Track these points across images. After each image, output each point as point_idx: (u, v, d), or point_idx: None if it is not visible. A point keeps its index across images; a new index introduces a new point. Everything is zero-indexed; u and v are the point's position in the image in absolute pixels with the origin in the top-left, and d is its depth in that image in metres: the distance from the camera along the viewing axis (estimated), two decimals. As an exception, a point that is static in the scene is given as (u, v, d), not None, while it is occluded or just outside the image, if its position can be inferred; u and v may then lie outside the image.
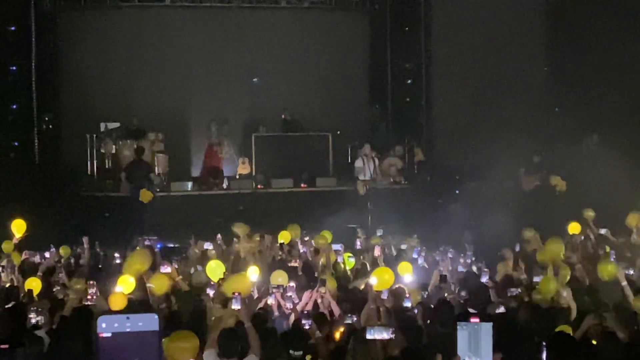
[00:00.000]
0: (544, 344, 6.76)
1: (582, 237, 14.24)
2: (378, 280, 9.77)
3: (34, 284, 10.53)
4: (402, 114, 23.27)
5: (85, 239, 13.81)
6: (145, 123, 20.83)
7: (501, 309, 9.06)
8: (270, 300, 9.40)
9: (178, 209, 18.82)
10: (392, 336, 7.08)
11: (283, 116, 21.82)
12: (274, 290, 9.59)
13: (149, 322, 3.45)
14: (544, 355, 6.41)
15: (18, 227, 13.76)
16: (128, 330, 3.43)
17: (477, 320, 4.06)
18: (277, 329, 8.27)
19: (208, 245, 13.62)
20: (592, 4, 21.33)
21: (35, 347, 7.18)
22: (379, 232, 14.85)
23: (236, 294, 7.97)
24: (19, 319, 8.47)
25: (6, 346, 3.67)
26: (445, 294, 9.72)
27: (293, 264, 12.70)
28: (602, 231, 14.31)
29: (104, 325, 3.43)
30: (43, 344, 7.53)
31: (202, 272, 11.55)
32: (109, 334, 3.42)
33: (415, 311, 8.42)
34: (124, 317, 3.44)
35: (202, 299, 9.87)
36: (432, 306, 9.07)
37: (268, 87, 22.39)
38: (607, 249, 12.97)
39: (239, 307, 7.79)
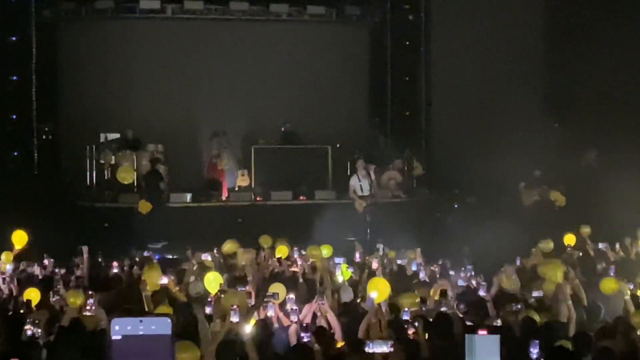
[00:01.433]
0: (542, 359, 6.76)
1: (580, 253, 14.26)
2: (377, 292, 9.76)
3: (33, 295, 10.49)
4: (401, 128, 23.29)
5: (84, 249, 13.79)
6: (144, 134, 20.84)
7: (497, 323, 9.05)
8: (270, 313, 9.39)
9: (177, 220, 18.80)
10: (392, 349, 7.07)
11: (283, 129, 21.81)
12: (271, 300, 9.55)
13: (162, 325, 3.46)
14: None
15: (19, 239, 13.73)
16: (141, 333, 3.43)
17: (484, 332, 4.07)
18: (276, 341, 8.27)
19: (206, 257, 13.61)
20: (592, 19, 21.40)
21: (35, 353, 7.17)
22: (379, 247, 14.83)
23: (234, 306, 7.97)
24: (16, 329, 8.45)
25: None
26: (445, 308, 9.70)
27: (294, 268, 12.68)
28: (601, 246, 14.33)
29: (117, 327, 3.43)
30: (41, 352, 7.53)
31: (199, 283, 11.50)
32: (120, 337, 3.43)
33: (416, 324, 8.39)
34: (137, 320, 3.44)
35: (194, 310, 9.83)
36: (431, 320, 9.07)
37: (267, 100, 22.39)
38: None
39: (237, 320, 7.79)
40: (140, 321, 3.45)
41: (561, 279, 10.34)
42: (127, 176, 18.01)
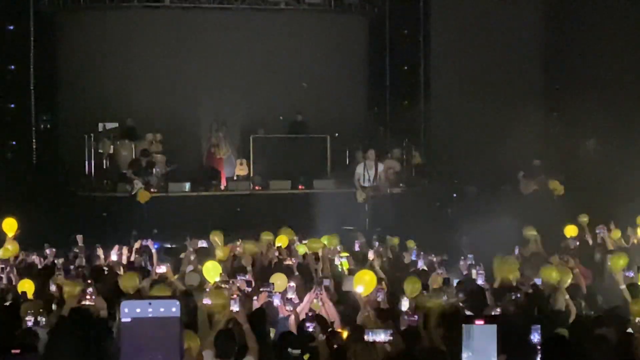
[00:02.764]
0: (538, 347, 6.76)
1: (578, 242, 14.27)
2: (362, 285, 9.73)
3: (27, 286, 10.47)
4: (400, 117, 23.27)
5: (79, 237, 13.77)
6: (143, 124, 20.83)
7: (496, 311, 9.04)
8: (276, 302, 9.41)
9: (176, 209, 18.80)
10: (391, 338, 7.10)
11: (281, 117, 21.77)
12: (265, 290, 9.55)
13: (170, 307, 3.47)
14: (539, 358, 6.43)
15: (9, 226, 13.73)
16: (150, 315, 3.44)
17: (481, 322, 4.07)
18: (279, 330, 8.30)
19: (202, 243, 13.60)
20: (591, 9, 21.36)
21: (33, 343, 7.17)
22: (375, 236, 14.82)
23: (235, 295, 7.99)
24: (14, 318, 8.47)
25: (18, 351, 3.67)
26: (446, 297, 9.71)
27: (288, 262, 12.68)
28: (598, 230, 14.35)
29: (126, 310, 3.44)
30: (38, 341, 7.53)
31: (195, 274, 11.47)
32: (130, 319, 3.44)
33: (416, 317, 8.39)
34: (147, 302, 3.45)
35: (194, 298, 9.84)
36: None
37: (266, 89, 22.36)
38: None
39: (237, 309, 7.81)
40: (150, 303, 3.46)
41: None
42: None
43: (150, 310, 3.45)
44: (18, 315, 8.53)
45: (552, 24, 23.75)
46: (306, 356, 7.26)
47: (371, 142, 21.06)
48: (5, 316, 8.83)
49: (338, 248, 13.40)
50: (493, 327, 4.07)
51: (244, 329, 7.67)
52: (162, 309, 3.46)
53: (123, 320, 3.43)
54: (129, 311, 3.44)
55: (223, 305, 8.44)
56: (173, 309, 3.47)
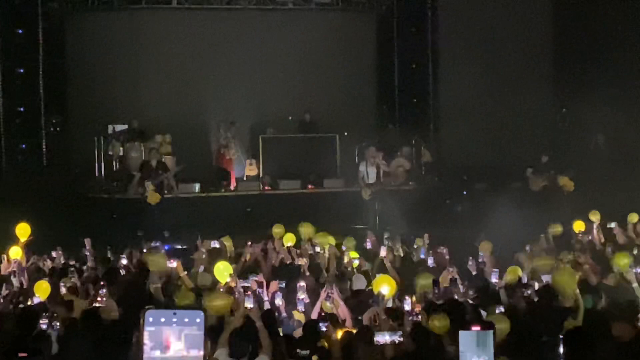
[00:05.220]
0: (561, 337, 6.71)
1: (590, 238, 14.25)
2: (389, 287, 9.74)
3: (44, 287, 10.52)
4: (409, 115, 23.26)
5: (87, 241, 13.80)
6: (152, 125, 20.87)
7: (501, 309, 9.04)
8: (278, 301, 9.41)
9: (186, 210, 18.82)
10: (401, 339, 7.08)
11: (290, 117, 21.77)
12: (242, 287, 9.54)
13: (195, 318, 3.51)
14: (561, 351, 6.42)
15: (23, 231, 13.76)
16: (174, 326, 3.47)
17: (478, 328, 4.09)
18: (284, 330, 8.31)
19: (214, 244, 13.63)
20: (600, 4, 21.31)
21: (45, 346, 7.19)
22: (386, 235, 14.81)
23: (249, 292, 8.01)
24: (29, 322, 8.49)
25: (25, 354, 3.70)
26: (455, 296, 9.70)
27: (300, 262, 12.69)
28: (612, 224, 14.32)
29: (150, 319, 3.47)
30: (50, 343, 7.55)
31: (207, 275, 11.50)
32: (153, 329, 3.46)
33: (419, 316, 8.40)
34: (171, 312, 3.49)
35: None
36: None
37: (275, 89, 22.37)
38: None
39: (251, 306, 7.82)
40: (174, 313, 3.50)
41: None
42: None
43: (174, 320, 3.48)
44: (31, 318, 8.55)
45: (562, 19, 23.69)
46: (315, 357, 7.26)
47: (380, 141, 21.06)
48: (17, 319, 8.84)
49: (343, 248, 13.38)
50: (489, 333, 4.09)
51: (257, 326, 7.67)
52: (186, 319, 3.50)
53: (147, 329, 3.46)
54: (153, 320, 3.48)
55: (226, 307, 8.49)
56: (197, 319, 3.52)
